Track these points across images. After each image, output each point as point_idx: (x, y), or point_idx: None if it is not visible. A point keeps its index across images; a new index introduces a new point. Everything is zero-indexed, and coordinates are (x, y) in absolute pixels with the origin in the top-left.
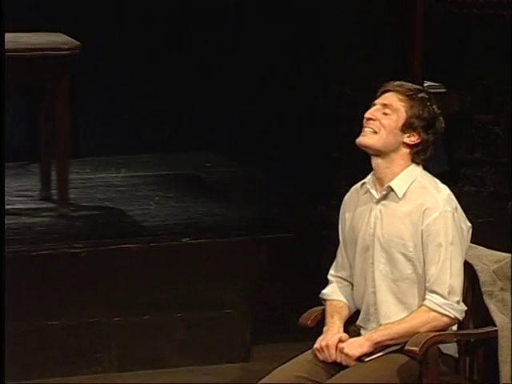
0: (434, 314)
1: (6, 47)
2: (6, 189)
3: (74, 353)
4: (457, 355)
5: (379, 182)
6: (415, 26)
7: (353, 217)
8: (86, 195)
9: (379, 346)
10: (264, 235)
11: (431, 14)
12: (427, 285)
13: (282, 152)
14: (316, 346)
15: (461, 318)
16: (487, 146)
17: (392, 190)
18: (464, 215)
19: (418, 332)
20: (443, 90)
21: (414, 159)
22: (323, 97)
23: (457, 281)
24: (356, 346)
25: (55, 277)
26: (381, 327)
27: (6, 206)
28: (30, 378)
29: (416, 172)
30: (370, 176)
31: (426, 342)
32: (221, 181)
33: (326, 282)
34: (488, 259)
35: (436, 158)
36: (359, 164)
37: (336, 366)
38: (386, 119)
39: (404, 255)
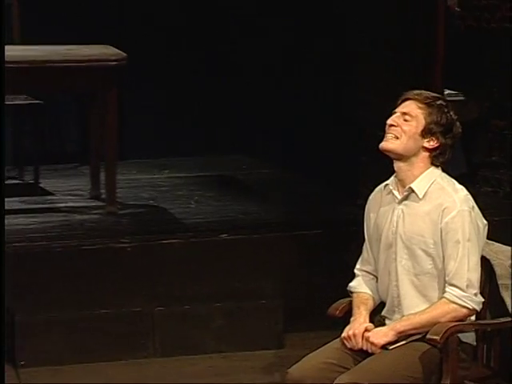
0: (454, 305)
1: (59, 58)
2: (58, 189)
3: (121, 339)
4: (475, 343)
5: (401, 183)
6: (437, 39)
7: (377, 216)
8: (131, 194)
9: (402, 335)
10: (295, 232)
11: (452, 29)
12: (447, 278)
13: (312, 155)
14: (344, 334)
15: (478, 309)
16: (503, 149)
17: (413, 190)
18: (480, 214)
19: (439, 322)
20: (462, 98)
21: (433, 162)
22: (351, 104)
23: (474, 274)
24: (381, 335)
25: (104, 270)
26: (404, 318)
27: (59, 205)
28: (82, 362)
29: (435, 174)
30: (392, 178)
31: (446, 331)
32: (256, 182)
33: (353, 276)
34: (504, 255)
35: (455, 161)
36: (383, 167)
37: (362, 354)
38: (406, 125)
39: (424, 251)
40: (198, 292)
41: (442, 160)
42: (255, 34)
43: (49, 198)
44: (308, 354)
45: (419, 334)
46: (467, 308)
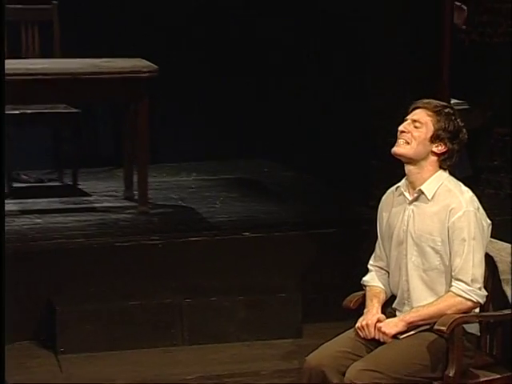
0: (459, 298)
1: (95, 71)
2: (95, 190)
3: (152, 328)
4: (479, 334)
5: (411, 185)
6: (444, 52)
7: (389, 215)
8: (162, 195)
9: (412, 326)
10: (312, 230)
11: (457, 43)
12: (453, 274)
13: (328, 160)
14: (357, 325)
15: (482, 302)
16: (504, 154)
17: (422, 192)
18: (485, 214)
19: (446, 314)
20: (467, 107)
21: (441, 166)
22: (363, 113)
23: (479, 270)
24: (392, 326)
25: (136, 265)
26: (413, 310)
27: (96, 205)
28: (116, 349)
29: (443, 177)
30: (403, 180)
31: (452, 322)
32: (276, 184)
33: (366, 271)
34: (506, 252)
35: (461, 165)
36: (392, 170)
37: (374, 343)
38: (416, 132)
39: (433, 248)
40: (222, 285)
41: (450, 164)
42: (276, 42)
43: (86, 198)
44: (324, 342)
45: (427, 324)
46: (472, 301)
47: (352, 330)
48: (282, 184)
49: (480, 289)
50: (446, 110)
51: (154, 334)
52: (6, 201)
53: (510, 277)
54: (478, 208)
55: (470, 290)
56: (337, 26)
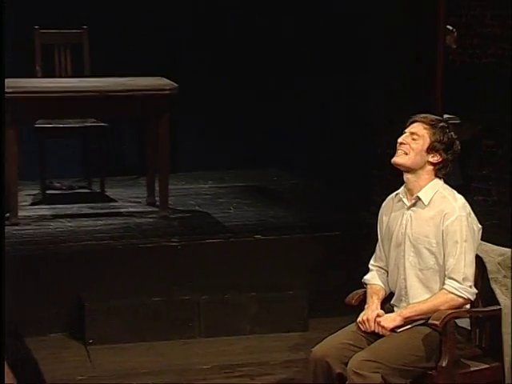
0: (452, 295)
1: (121, 88)
2: (120, 196)
3: (172, 323)
4: (469, 328)
5: (409, 192)
6: (437, 72)
7: (389, 219)
8: (181, 201)
9: (408, 321)
10: (318, 233)
11: (450, 64)
12: (446, 273)
13: (332, 169)
14: (359, 319)
15: (473, 299)
16: (492, 165)
17: (419, 199)
18: (476, 219)
19: (439, 309)
20: (458, 121)
21: (437, 174)
22: (365, 126)
23: (470, 270)
24: (390, 320)
25: (157, 264)
26: (409, 306)
27: (121, 210)
28: (139, 341)
29: (438, 185)
30: (402, 188)
31: (445, 317)
32: (284, 191)
33: (367, 270)
34: (494, 253)
35: (453, 174)
36: (392, 179)
37: (374, 336)
38: (414, 143)
39: (428, 250)
40: (236, 283)
41: (444, 173)
42: (286, 58)
43: (112, 204)
44: (328, 335)
45: (422, 319)
46: (463, 298)
47: (354, 324)
48: (289, 191)
49: (471, 287)
50: (441, 124)
51: (173, 327)
52: (40, 206)
53: (497, 276)
54: (470, 213)
55: (461, 287)
56: (339, 52)
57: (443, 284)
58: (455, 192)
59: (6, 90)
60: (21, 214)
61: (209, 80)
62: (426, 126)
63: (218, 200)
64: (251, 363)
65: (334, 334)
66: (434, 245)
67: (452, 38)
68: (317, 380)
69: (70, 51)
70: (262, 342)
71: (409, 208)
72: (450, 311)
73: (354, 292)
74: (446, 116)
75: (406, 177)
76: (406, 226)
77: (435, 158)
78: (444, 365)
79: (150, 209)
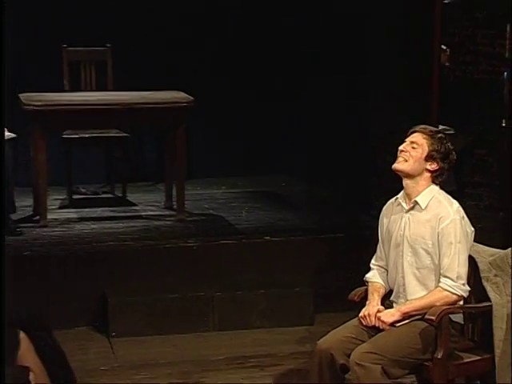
0: (447, 292)
1: (141, 101)
2: (140, 201)
3: (188, 317)
4: (463, 322)
5: (408, 197)
6: (433, 87)
7: (389, 222)
8: (196, 206)
9: (406, 316)
10: (323, 235)
11: (444, 79)
12: (441, 272)
13: (336, 176)
14: (360, 314)
15: (466, 296)
16: (484, 172)
17: (417, 203)
18: (469, 222)
19: (435, 306)
20: (452, 132)
21: (434, 181)
22: (366, 137)
23: (463, 269)
24: (389, 315)
25: (175, 263)
26: (407, 302)
27: (141, 213)
28: (158, 334)
29: (435, 190)
30: (401, 193)
31: (440, 312)
32: (292, 196)
33: (368, 269)
34: (485, 254)
35: (448, 181)
36: (390, 185)
37: (375, 330)
38: (414, 152)
39: (425, 250)
40: (247, 281)
41: (440, 179)
42: (294, 69)
43: (133, 208)
44: (332, 329)
45: (419, 314)
46: (457, 295)
47: (356, 318)
48: (296, 196)
49: (464, 284)
50: (439, 135)
51: (189, 321)
52: (67, 210)
53: (488, 275)
54: (463, 217)
55: (455, 285)
56: (341, 73)
57: (438, 282)
58: (450, 197)
59: (36, 103)
60: (49, 217)
61: (225, 92)
62: (425, 136)
63: (231, 204)
64: (261, 355)
65: (338, 328)
66: (430, 245)
67: (445, 57)
68: (322, 370)
69: (94, 67)
70: (270, 336)
71: (407, 211)
72: (445, 307)
73: (357, 289)
74: (441, 127)
75: (405, 182)
76: (404, 228)
77: (432, 166)
78: (439, 356)
79: (167, 212)
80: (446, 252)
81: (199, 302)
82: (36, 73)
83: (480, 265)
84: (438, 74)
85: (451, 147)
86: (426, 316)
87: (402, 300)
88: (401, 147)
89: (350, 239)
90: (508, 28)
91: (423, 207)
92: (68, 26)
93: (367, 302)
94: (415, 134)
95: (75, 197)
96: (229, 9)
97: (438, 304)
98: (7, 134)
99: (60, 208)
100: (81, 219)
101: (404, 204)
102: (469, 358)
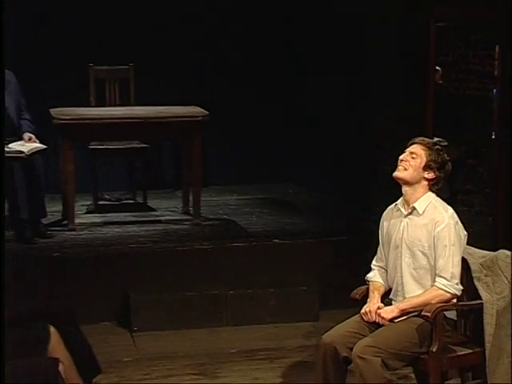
0: (441, 291)
1: (161, 115)
2: (160, 207)
3: (203, 313)
4: (456, 319)
5: (406, 203)
6: (428, 102)
7: (388, 226)
8: (211, 211)
9: (404, 312)
10: (327, 238)
11: (438, 95)
12: (436, 272)
13: (340, 184)
14: (362, 311)
15: (459, 294)
16: (475, 180)
17: (415, 208)
18: (462, 226)
19: (430, 303)
20: (446, 143)
21: (431, 188)
22: (367, 147)
23: (457, 269)
24: (389, 312)
25: (191, 264)
26: (405, 300)
27: (160, 218)
28: (176, 329)
29: (431, 197)
30: (400, 199)
31: (435, 310)
32: (299, 202)
33: (369, 269)
34: (476, 255)
35: (442, 188)
36: (389, 192)
37: (375, 325)
38: (413, 161)
39: (422, 252)
40: (257, 280)
41: (437, 187)
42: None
43: (153, 213)
44: (336, 325)
45: (416, 311)
46: (451, 293)
47: (358, 315)
48: (303, 202)
49: (457, 284)
50: (436, 147)
51: (205, 317)
52: (93, 215)
53: (479, 275)
54: (457, 222)
55: (449, 284)
56: (343, 88)
57: (434, 281)
58: (445, 204)
59: (65, 117)
60: (77, 221)
61: (239, 106)
62: (423, 148)
63: (243, 210)
64: (270, 348)
65: (341, 324)
66: (427, 248)
67: (438, 75)
68: (326, 362)
69: (118, 84)
70: (279, 330)
71: (406, 216)
72: (440, 305)
73: (358, 288)
74: (436, 139)
75: (404, 189)
76: (403, 231)
77: (430, 175)
78: (434, 350)
79: (184, 217)
80: (441, 254)
81: (214, 300)
82: (65, 90)
83: (472, 266)
84: (433, 90)
85: (447, 158)
86: (423, 313)
87: (401, 298)
88: (401, 157)
89: (353, 242)
90: (497, 49)
91: (420, 212)
92: (94, 46)
93: (368, 300)
94: (414, 146)
95: (100, 203)
96: (238, 25)
97: (433, 302)
98: (39, 146)
99: (86, 213)
100: (105, 223)
101: (403, 209)
102: (461, 351)
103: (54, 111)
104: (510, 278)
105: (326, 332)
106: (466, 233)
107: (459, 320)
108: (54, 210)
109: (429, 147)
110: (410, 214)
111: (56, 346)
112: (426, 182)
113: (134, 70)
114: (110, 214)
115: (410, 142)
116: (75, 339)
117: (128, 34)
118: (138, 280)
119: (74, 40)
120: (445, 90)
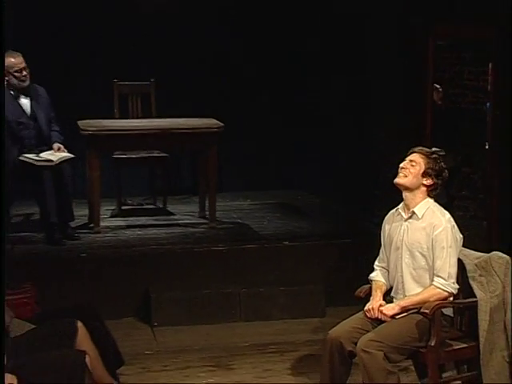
0: (439, 290)
1: (179, 127)
2: (178, 211)
3: (219, 310)
4: (452, 315)
5: (407, 207)
6: (427, 114)
7: (390, 229)
8: (226, 215)
9: (405, 309)
10: (333, 240)
11: (436, 108)
12: (434, 272)
13: (345, 190)
14: (365, 308)
15: (455, 293)
16: (470, 187)
17: (415, 213)
18: (458, 230)
19: (429, 301)
20: (443, 153)
21: (429, 194)
22: (369, 155)
23: (453, 269)
24: (390, 309)
25: (207, 264)
26: (405, 298)
27: (179, 221)
28: (194, 324)
29: (430, 202)
30: (401, 204)
31: (433, 307)
32: (307, 207)
33: (372, 269)
34: (471, 257)
35: (440, 194)
36: (390, 197)
37: (378, 321)
38: (412, 168)
39: (421, 253)
40: (268, 279)
41: (435, 193)
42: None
43: (172, 217)
44: (341, 321)
45: (415, 308)
46: (448, 292)
47: (362, 312)
48: (310, 207)
49: (454, 283)
50: (434, 155)
51: (220, 313)
52: (117, 218)
53: (474, 275)
54: (454, 225)
55: (446, 283)
56: (346, 95)
57: (432, 281)
58: (442, 208)
59: (92, 128)
60: (102, 224)
61: (251, 117)
62: (422, 156)
63: (255, 214)
64: (280, 342)
65: (346, 320)
66: (425, 249)
67: (438, 96)
68: (332, 356)
69: (140, 98)
70: (288, 326)
71: (406, 220)
72: (438, 302)
73: (362, 287)
74: (434, 148)
75: (405, 194)
76: (403, 234)
77: (428, 182)
78: (432, 344)
79: (201, 221)
80: (438, 255)
81: (228, 298)
82: (91, 103)
83: (467, 266)
84: (431, 104)
85: (444, 166)
86: (422, 310)
87: (401, 296)
88: (401, 164)
89: (356, 244)
90: (490, 66)
91: (420, 216)
92: (118, 63)
93: (371, 298)
94: (414, 154)
95: (123, 207)
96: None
97: (431, 300)
98: (67, 155)
99: (111, 217)
100: (128, 226)
101: (403, 213)
102: (457, 345)
103: (81, 123)
104: (502, 277)
105: (332, 327)
106: (461, 236)
107: (455, 316)
108: (80, 214)
109: (427, 156)
110: (409, 218)
111: (83, 339)
112: (424, 188)
113: (154, 85)
114: (132, 218)
115: (410, 151)
116: (100, 333)
117: (150, 52)
118: (158, 279)
119: (99, 58)
120: (442, 104)
